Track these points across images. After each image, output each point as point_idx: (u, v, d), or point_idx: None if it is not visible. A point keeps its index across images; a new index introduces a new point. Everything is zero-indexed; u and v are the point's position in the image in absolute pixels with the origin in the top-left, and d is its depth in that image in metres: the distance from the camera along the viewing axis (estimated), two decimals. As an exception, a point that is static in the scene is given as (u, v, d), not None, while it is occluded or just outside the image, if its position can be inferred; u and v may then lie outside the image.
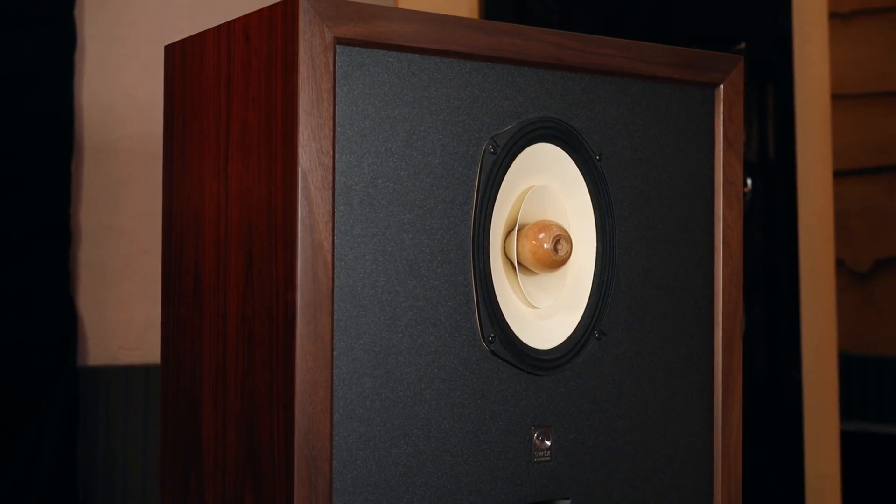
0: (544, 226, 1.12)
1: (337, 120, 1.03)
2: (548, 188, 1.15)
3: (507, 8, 2.28)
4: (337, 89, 1.03)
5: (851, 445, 2.67)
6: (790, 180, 2.26)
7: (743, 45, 2.20)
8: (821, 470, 2.34)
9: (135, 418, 2.16)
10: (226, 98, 1.11)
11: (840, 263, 3.05)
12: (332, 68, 1.02)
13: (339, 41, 1.03)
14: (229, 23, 1.11)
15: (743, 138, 1.27)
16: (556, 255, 1.12)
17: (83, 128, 2.12)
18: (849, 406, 3.12)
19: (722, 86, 1.25)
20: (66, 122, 2.07)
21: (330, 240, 1.02)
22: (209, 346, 1.13)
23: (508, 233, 1.14)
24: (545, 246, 1.12)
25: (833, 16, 2.60)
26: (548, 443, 1.14)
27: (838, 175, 2.71)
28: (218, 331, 1.12)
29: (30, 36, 2.01)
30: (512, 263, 1.14)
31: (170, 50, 1.21)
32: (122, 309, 2.18)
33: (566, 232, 1.13)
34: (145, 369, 2.17)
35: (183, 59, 1.18)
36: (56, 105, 2.07)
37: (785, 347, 2.27)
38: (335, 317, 1.03)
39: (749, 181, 2.20)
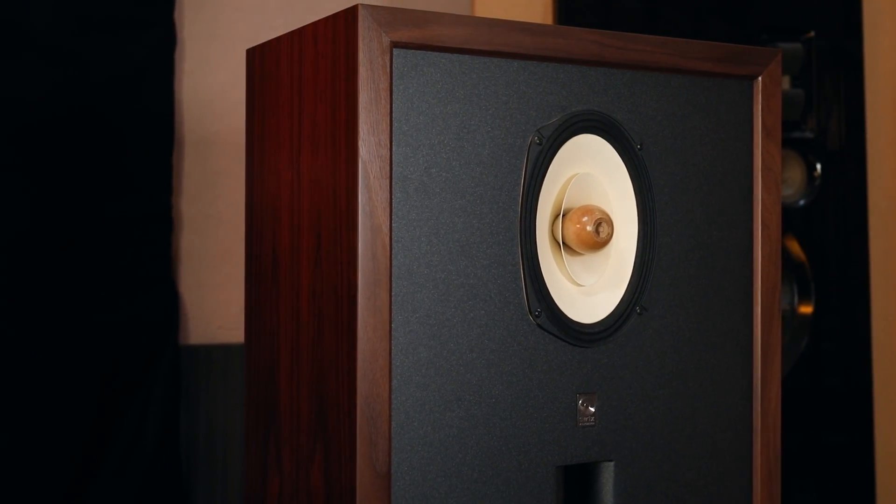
0: (587, 210, 1.22)
1: (394, 116, 1.14)
2: (591, 175, 1.25)
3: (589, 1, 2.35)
4: (394, 88, 1.14)
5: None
6: (860, 166, 2.31)
7: (812, 33, 2.26)
8: (891, 448, 2.39)
9: (233, 393, 2.31)
10: (297, 96, 1.23)
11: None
12: (389, 69, 1.14)
13: (396, 45, 1.14)
14: (300, 29, 1.23)
15: (781, 127, 1.35)
16: (598, 237, 1.22)
17: (183, 122, 2.27)
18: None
19: (760, 78, 1.34)
20: (168, 117, 2.22)
21: (388, 224, 1.14)
22: (285, 320, 1.26)
23: (555, 217, 1.24)
24: (588, 228, 1.22)
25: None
26: (592, 409, 1.24)
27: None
28: (292, 306, 1.24)
29: (134, 38, 2.16)
30: (558, 245, 1.24)
31: (250, 53, 1.33)
32: (220, 291, 2.32)
33: (608, 215, 1.23)
34: (242, 348, 2.31)
35: (262, 61, 1.31)
36: (159, 102, 2.21)
37: (857, 329, 2.32)
38: (393, 293, 1.14)
39: (819, 166, 2.26)
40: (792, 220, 2.26)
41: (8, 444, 1.98)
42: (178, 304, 2.24)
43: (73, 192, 2.08)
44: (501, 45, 1.19)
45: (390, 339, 1.14)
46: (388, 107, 1.14)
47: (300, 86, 1.23)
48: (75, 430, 2.07)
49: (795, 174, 2.27)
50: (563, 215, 1.24)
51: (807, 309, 2.26)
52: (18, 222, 2.01)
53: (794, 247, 2.25)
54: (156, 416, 2.18)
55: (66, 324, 2.06)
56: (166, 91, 2.22)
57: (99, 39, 2.11)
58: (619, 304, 1.26)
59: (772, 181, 1.35)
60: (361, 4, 1.13)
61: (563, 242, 1.24)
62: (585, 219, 1.22)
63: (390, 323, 1.14)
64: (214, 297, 2.32)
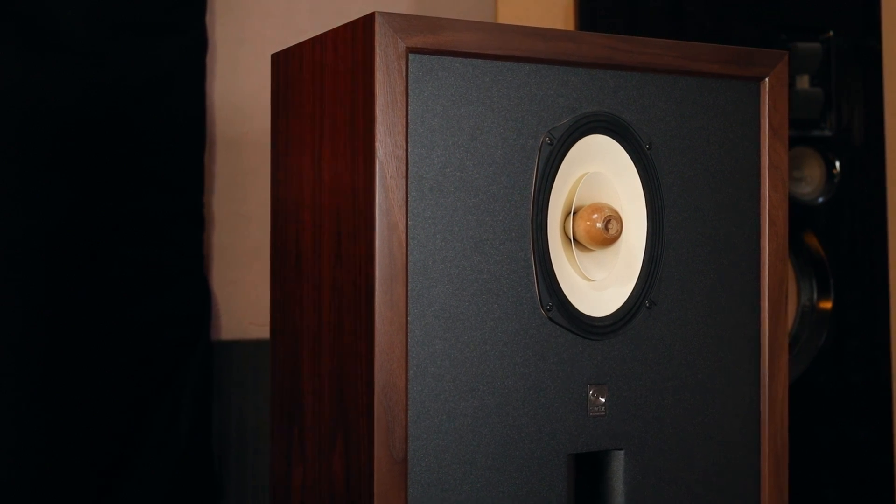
0: (597, 208, 1.27)
1: (409, 118, 1.20)
2: (601, 174, 1.30)
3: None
4: (409, 92, 1.20)
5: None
6: (880, 163, 2.34)
7: (831, 32, 2.29)
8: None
9: (263, 388, 2.36)
10: (319, 99, 1.29)
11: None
12: (404, 74, 1.19)
13: (411, 50, 1.19)
14: (322, 34, 1.29)
15: (787, 126, 1.39)
16: (608, 234, 1.26)
17: (214, 124, 2.33)
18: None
19: (767, 79, 1.38)
20: (200, 118, 2.27)
21: (404, 221, 1.19)
22: (308, 314, 1.31)
23: (566, 215, 1.29)
24: (598, 225, 1.26)
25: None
26: (602, 399, 1.29)
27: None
28: (314, 301, 1.30)
29: (166, 42, 2.22)
30: (569, 241, 1.29)
31: (275, 58, 1.39)
32: (251, 288, 2.38)
33: (617, 213, 1.27)
34: (272, 343, 2.36)
35: (286, 65, 1.36)
36: (190, 104, 2.27)
37: (877, 324, 2.35)
38: (409, 287, 1.19)
39: (838, 164, 2.29)
40: (812, 216, 2.29)
41: (43, 437, 2.04)
42: (210, 301, 2.30)
43: (108, 192, 2.14)
44: (514, 49, 1.24)
45: (406, 332, 1.19)
46: (404, 109, 1.19)
47: (321, 89, 1.28)
48: (110, 423, 2.13)
49: (814, 172, 2.30)
50: (574, 213, 1.28)
51: (826, 305, 2.29)
52: (57, 221, 2.07)
53: (814, 243, 2.29)
54: (188, 410, 2.23)
55: (101, 319, 2.12)
56: (198, 93, 2.28)
57: (133, 43, 2.17)
58: (628, 299, 1.31)
59: (778, 179, 1.39)
60: (378, 12, 1.18)
61: (573, 239, 1.28)
62: (595, 216, 1.26)
63: (406, 316, 1.19)
64: (245, 293, 2.37)
